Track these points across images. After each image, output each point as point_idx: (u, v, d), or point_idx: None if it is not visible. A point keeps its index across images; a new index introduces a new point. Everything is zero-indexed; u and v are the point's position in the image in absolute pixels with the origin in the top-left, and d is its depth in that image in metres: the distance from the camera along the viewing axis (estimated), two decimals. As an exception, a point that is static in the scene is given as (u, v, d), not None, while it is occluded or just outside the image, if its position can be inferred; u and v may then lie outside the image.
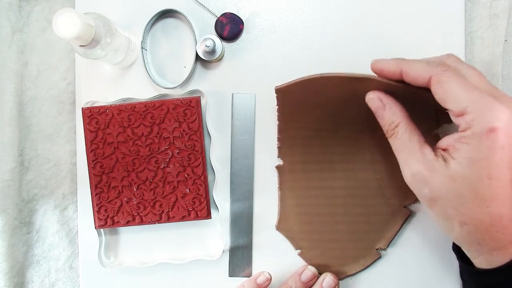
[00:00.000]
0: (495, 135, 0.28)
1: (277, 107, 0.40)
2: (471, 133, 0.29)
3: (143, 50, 0.42)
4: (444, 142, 0.31)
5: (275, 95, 0.39)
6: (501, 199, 0.30)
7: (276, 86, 0.38)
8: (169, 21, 0.43)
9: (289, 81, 0.37)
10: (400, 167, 0.33)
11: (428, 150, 0.32)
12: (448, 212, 0.31)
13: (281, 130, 0.41)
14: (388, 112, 0.34)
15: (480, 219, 0.30)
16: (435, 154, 0.31)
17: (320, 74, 0.35)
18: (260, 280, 0.40)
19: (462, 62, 0.33)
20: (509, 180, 0.30)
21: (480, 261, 0.32)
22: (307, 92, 0.38)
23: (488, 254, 0.31)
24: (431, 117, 0.39)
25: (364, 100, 0.36)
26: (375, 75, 0.35)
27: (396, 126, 0.33)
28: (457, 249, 0.35)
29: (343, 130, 0.40)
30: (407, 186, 0.36)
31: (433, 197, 0.31)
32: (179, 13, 0.42)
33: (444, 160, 0.31)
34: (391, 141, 0.34)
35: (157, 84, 0.42)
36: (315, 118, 0.40)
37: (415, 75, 0.32)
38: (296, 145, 0.41)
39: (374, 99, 0.35)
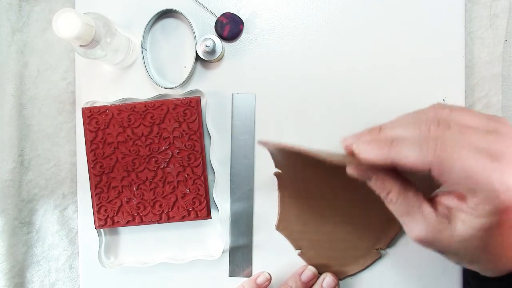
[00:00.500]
0: (508, 214, 0.26)
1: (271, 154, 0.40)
2: (482, 212, 0.27)
3: (143, 50, 0.42)
4: (446, 201, 0.29)
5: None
6: None
7: (258, 141, 0.37)
8: (169, 21, 0.43)
9: (270, 143, 0.36)
10: (403, 227, 0.31)
11: (427, 210, 0.29)
12: (458, 257, 0.30)
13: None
14: (376, 184, 0.31)
15: (489, 263, 0.29)
16: (437, 214, 0.29)
17: (298, 148, 0.32)
18: (260, 280, 0.40)
19: (450, 112, 0.29)
20: None
21: (485, 270, 0.31)
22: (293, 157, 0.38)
23: (491, 270, 0.30)
24: None
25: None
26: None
27: (389, 193, 0.31)
28: None
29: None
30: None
31: (441, 251, 0.30)
32: (179, 13, 0.42)
33: (449, 220, 0.28)
34: (388, 206, 0.31)
35: (157, 84, 0.42)
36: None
37: (411, 167, 0.28)
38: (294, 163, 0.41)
39: (357, 176, 0.32)
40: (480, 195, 0.26)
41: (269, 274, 0.41)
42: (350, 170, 0.32)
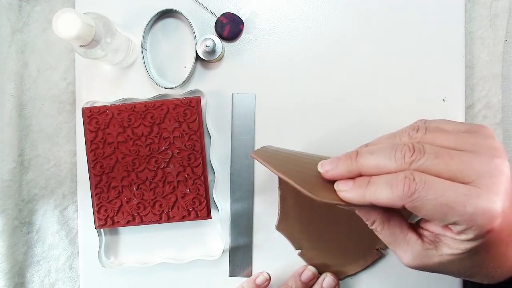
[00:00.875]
0: (492, 232, 0.26)
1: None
2: (465, 239, 0.27)
3: (143, 50, 0.42)
4: (431, 227, 0.30)
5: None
6: (498, 260, 0.29)
7: (251, 152, 0.35)
8: (169, 21, 0.43)
9: (260, 158, 0.34)
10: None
11: (413, 238, 0.30)
12: (454, 274, 0.31)
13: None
14: (360, 213, 0.31)
15: (486, 277, 0.30)
16: (423, 241, 0.30)
17: (287, 177, 0.31)
18: (259, 280, 0.40)
19: (425, 134, 0.29)
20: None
21: (481, 278, 0.31)
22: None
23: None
24: None
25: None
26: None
27: (373, 223, 0.31)
28: None
29: None
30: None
31: (436, 272, 0.31)
32: (179, 13, 0.42)
33: (436, 246, 0.29)
34: (376, 233, 0.32)
35: (157, 84, 0.42)
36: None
37: (387, 205, 0.28)
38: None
39: (343, 206, 0.31)
40: (459, 224, 0.26)
41: (268, 274, 0.41)
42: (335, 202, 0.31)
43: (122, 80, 0.43)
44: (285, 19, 0.43)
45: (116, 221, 0.41)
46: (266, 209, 0.43)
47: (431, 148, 0.28)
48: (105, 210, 0.41)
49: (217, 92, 0.43)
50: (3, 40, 0.42)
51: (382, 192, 0.28)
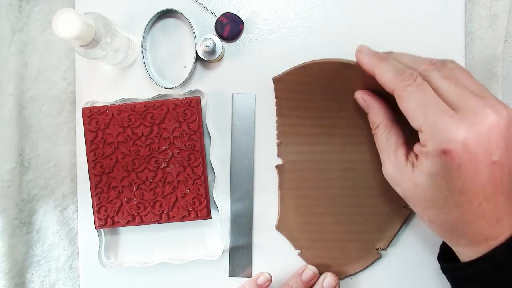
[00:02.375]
0: (448, 156, 0.29)
1: (276, 100, 0.41)
2: (426, 151, 0.30)
3: (143, 50, 0.42)
4: (416, 147, 0.32)
5: (273, 86, 0.41)
6: (461, 207, 0.31)
7: (274, 76, 0.41)
8: (169, 21, 0.43)
9: (286, 70, 0.40)
10: (382, 163, 0.35)
11: (401, 152, 0.33)
12: (417, 210, 0.34)
13: (280, 125, 0.42)
14: (370, 113, 0.36)
15: (442, 221, 0.32)
16: (407, 158, 0.33)
17: (314, 60, 0.39)
18: (261, 280, 0.40)
19: (442, 67, 0.32)
20: (470, 189, 0.30)
21: (459, 254, 0.34)
22: (304, 79, 0.40)
23: (463, 247, 0.33)
24: None
25: (353, 82, 0.38)
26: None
27: (377, 127, 0.35)
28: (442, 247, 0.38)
29: (343, 113, 0.41)
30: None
31: (403, 196, 0.34)
32: (179, 13, 0.42)
33: (412, 166, 0.32)
34: (375, 140, 0.36)
35: (157, 84, 0.42)
36: (314, 105, 0.41)
37: (383, 83, 0.33)
38: (295, 139, 0.41)
39: (359, 100, 0.37)
40: (423, 131, 0.30)
41: (269, 274, 0.41)
42: (356, 95, 0.37)
43: (122, 80, 0.43)
44: (285, 19, 0.43)
45: (116, 221, 0.41)
46: (266, 209, 0.43)
47: (447, 71, 0.31)
48: (105, 210, 0.41)
49: (217, 92, 0.43)
50: (3, 40, 0.42)
51: (388, 71, 0.32)
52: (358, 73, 0.36)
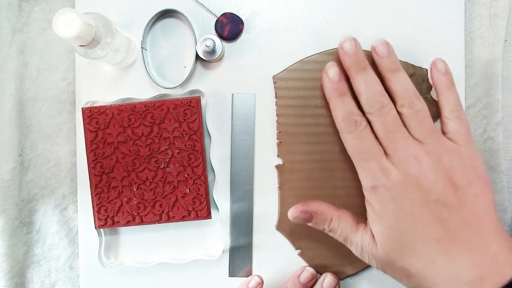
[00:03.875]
0: (377, 190, 0.34)
1: (276, 99, 0.42)
2: (364, 191, 0.35)
3: (143, 50, 0.42)
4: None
5: (273, 84, 0.42)
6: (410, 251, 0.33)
7: (274, 75, 0.41)
8: (169, 21, 0.43)
9: (285, 68, 0.41)
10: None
11: (361, 227, 0.36)
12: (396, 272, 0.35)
13: (280, 124, 0.41)
14: (316, 220, 0.37)
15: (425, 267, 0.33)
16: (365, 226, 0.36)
17: (311, 55, 0.41)
18: (252, 285, 0.40)
19: (386, 112, 0.35)
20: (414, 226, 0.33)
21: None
22: (304, 75, 0.41)
23: None
24: None
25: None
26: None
27: (330, 223, 0.37)
28: None
29: None
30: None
31: (381, 267, 0.35)
32: (179, 13, 0.42)
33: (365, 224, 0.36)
34: (336, 234, 0.37)
35: (157, 84, 0.42)
36: (314, 103, 0.41)
37: (333, 118, 0.37)
38: (295, 139, 0.41)
39: (296, 219, 0.38)
40: (360, 172, 0.35)
41: (259, 277, 0.40)
42: (290, 214, 0.38)
43: (122, 80, 0.43)
44: (285, 19, 0.43)
45: (116, 221, 0.41)
46: (266, 209, 0.43)
47: (389, 118, 0.34)
48: (105, 210, 0.41)
49: (217, 92, 0.43)
50: (3, 40, 0.42)
51: (338, 111, 0.36)
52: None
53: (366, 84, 0.35)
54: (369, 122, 0.35)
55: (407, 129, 0.34)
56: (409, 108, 0.34)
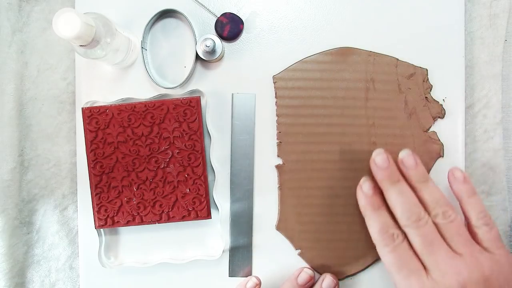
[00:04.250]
0: None
1: (276, 99, 0.42)
2: None
3: (143, 50, 0.42)
4: None
5: (274, 84, 0.42)
6: None
7: (274, 75, 0.41)
8: (169, 21, 0.43)
9: (285, 68, 0.42)
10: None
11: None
12: None
13: (280, 124, 0.42)
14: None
15: None
16: None
17: (311, 55, 0.41)
18: (250, 285, 0.40)
19: (422, 224, 0.35)
20: None
21: None
22: (304, 75, 0.41)
23: None
24: (427, 116, 0.41)
25: (354, 68, 0.41)
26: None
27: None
28: None
29: (341, 102, 0.42)
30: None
31: None
32: (179, 13, 0.42)
33: None
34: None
35: (157, 84, 0.42)
36: (313, 102, 0.41)
37: (370, 233, 0.37)
38: (295, 139, 0.42)
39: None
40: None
41: (257, 278, 0.40)
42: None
43: (122, 80, 0.43)
44: (285, 19, 0.43)
45: (116, 221, 0.41)
46: (266, 209, 0.43)
47: (425, 229, 0.34)
48: (105, 210, 0.41)
49: (217, 92, 0.43)
50: (3, 40, 0.42)
51: (375, 226, 0.36)
52: (351, 57, 0.40)
53: (401, 196, 0.35)
54: (405, 236, 0.35)
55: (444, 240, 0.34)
56: (443, 218, 0.34)
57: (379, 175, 0.36)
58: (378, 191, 0.37)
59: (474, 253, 0.33)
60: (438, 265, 0.33)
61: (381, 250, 0.35)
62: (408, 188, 0.36)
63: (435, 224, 0.35)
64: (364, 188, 0.37)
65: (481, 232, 0.35)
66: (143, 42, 0.42)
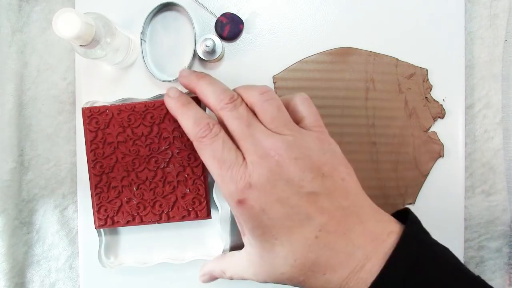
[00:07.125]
0: (244, 205, 0.30)
1: None
2: (230, 207, 0.33)
3: (142, 41, 0.42)
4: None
5: (274, 84, 0.42)
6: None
7: (274, 75, 0.42)
8: (169, 14, 0.43)
9: (285, 68, 0.42)
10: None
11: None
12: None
13: None
14: (215, 277, 0.38)
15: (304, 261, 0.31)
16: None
17: (311, 55, 0.42)
18: (172, 93, 0.37)
19: (238, 104, 0.33)
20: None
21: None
22: (304, 75, 0.41)
23: None
24: (427, 116, 0.41)
25: (354, 68, 0.41)
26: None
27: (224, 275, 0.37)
28: None
29: (341, 102, 0.42)
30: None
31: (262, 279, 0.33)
32: (180, 6, 0.42)
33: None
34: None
35: (154, 77, 0.42)
36: (313, 101, 0.41)
37: (185, 132, 0.34)
38: None
39: (205, 281, 0.39)
40: (219, 183, 0.32)
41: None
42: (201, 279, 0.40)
43: (122, 80, 0.43)
44: (285, 19, 0.43)
45: (116, 221, 0.41)
46: (266, 209, 0.43)
47: (241, 110, 0.32)
48: (105, 210, 0.41)
49: (217, 92, 0.43)
50: (3, 40, 0.42)
51: (187, 119, 0.33)
52: (349, 55, 0.40)
53: (211, 85, 0.34)
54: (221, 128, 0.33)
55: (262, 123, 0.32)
56: (260, 97, 0.33)
57: (171, 103, 0.36)
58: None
59: (294, 133, 0.31)
60: (257, 147, 0.31)
61: (199, 144, 0.32)
62: (216, 79, 0.35)
63: (252, 110, 0.33)
64: (170, 93, 0.35)
65: (302, 109, 0.34)
66: (142, 34, 0.42)
